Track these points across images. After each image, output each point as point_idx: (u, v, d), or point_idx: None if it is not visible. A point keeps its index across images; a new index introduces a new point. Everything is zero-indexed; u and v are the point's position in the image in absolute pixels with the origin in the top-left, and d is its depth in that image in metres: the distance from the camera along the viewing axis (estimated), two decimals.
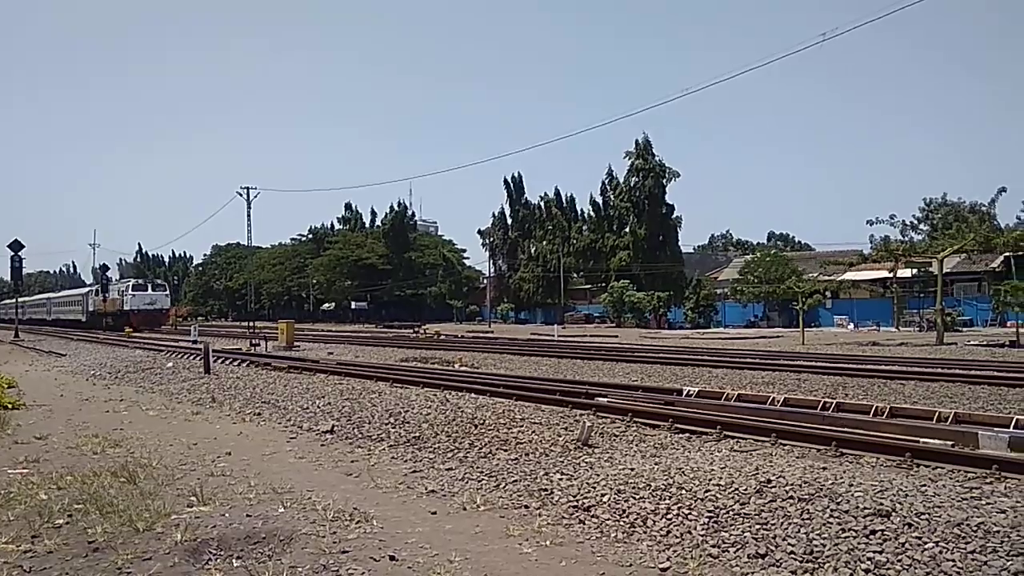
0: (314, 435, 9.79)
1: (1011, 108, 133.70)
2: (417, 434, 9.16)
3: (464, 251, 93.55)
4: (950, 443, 7.77)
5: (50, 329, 62.14)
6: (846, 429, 8.72)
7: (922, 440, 7.84)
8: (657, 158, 67.51)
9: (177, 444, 9.12)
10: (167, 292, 62.90)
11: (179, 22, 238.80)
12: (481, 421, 9.37)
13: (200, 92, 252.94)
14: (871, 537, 4.65)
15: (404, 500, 6.35)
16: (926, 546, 4.47)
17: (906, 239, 52.08)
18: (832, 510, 5.06)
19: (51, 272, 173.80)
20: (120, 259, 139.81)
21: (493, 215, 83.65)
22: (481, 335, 44.81)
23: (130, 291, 56.97)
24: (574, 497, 6.04)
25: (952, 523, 4.71)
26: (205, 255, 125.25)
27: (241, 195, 62.91)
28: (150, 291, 58.82)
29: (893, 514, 4.89)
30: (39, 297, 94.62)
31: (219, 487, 6.63)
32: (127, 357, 24.38)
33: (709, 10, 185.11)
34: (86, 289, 71.51)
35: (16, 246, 45.87)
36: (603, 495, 5.96)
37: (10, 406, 12.61)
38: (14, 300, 65.10)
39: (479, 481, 6.91)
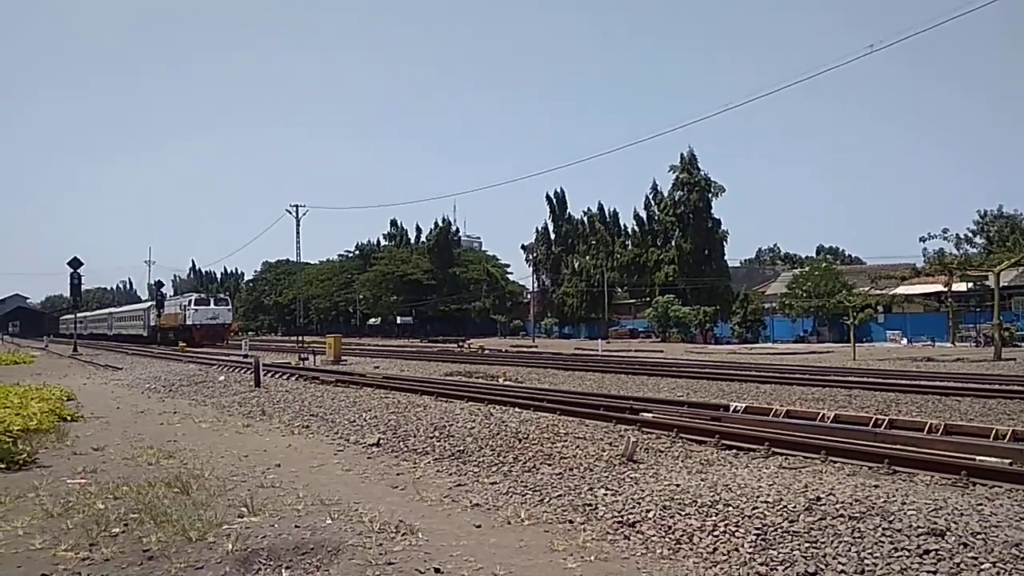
0: (361, 448, 9.90)
1: None
2: (461, 448, 9.21)
3: (508, 266, 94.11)
4: (1008, 461, 7.53)
5: (111, 344, 63.09)
6: (899, 446, 8.53)
7: (978, 458, 7.63)
8: (702, 172, 67.03)
9: (228, 456, 9.31)
10: (229, 306, 61.23)
11: (229, 42, 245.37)
12: (525, 435, 9.38)
13: (251, 109, 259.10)
14: (925, 557, 4.53)
15: (449, 513, 6.39)
16: (982, 567, 4.35)
17: (961, 252, 50.72)
18: (884, 529, 4.95)
19: (108, 288, 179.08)
20: (175, 275, 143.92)
21: (536, 230, 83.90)
22: (525, 350, 44.81)
23: (192, 305, 55.79)
24: (619, 513, 6.01)
25: (1010, 543, 4.57)
26: (256, 271, 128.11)
27: (290, 213, 64.30)
28: (212, 305, 57.36)
29: (948, 533, 4.77)
30: (101, 312, 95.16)
31: (269, 498, 6.75)
32: (181, 371, 24.97)
33: (753, 24, 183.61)
34: (148, 304, 70.83)
35: (75, 263, 47.51)
36: (648, 511, 5.91)
37: (69, 418, 13.02)
38: (73, 315, 66.44)
39: (523, 495, 6.91)
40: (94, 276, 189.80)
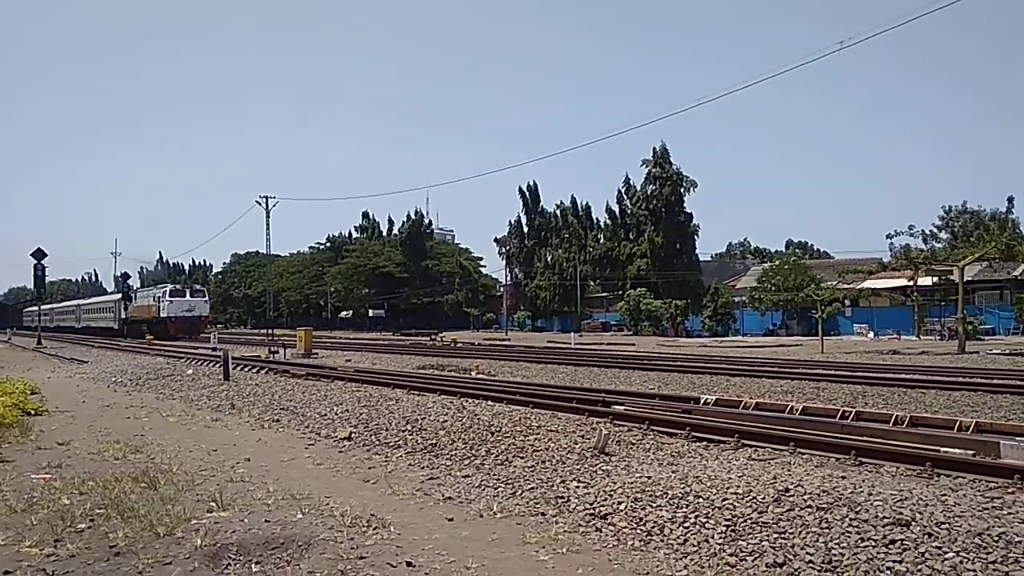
0: (332, 442, 9.84)
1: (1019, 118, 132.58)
2: (434, 441, 9.19)
3: (481, 259, 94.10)
4: (971, 452, 7.68)
5: (78, 337, 61.32)
6: (865, 438, 8.65)
7: (943, 449, 7.77)
8: (674, 166, 67.43)
9: (197, 450, 9.20)
10: (206, 298, 58.09)
11: (195, 33, 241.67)
12: (498, 428, 9.38)
13: (218, 100, 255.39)
14: (891, 547, 4.61)
15: (421, 507, 6.38)
16: (946, 556, 4.43)
17: (927, 247, 51.60)
18: (851, 519, 5.03)
19: (73, 280, 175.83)
20: (141, 267, 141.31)
21: (509, 223, 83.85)
22: (498, 343, 44.82)
23: (167, 297, 52.89)
24: (591, 505, 6.04)
25: (973, 533, 4.67)
26: (225, 264, 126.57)
27: (260, 204, 63.31)
28: (188, 297, 54.61)
29: (913, 523, 4.85)
30: (68, 304, 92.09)
31: (238, 493, 6.69)
32: (148, 364, 24.62)
33: (727, 19, 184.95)
34: (118, 295, 67.22)
35: (39, 254, 46.49)
36: (620, 503, 5.95)
37: (33, 412, 12.78)
38: (38, 307, 64.76)
39: (496, 488, 6.92)
40: (58, 268, 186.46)
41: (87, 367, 26.95)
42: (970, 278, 40.09)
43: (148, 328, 51.80)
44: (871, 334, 45.79)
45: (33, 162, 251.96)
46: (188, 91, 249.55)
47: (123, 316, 60.38)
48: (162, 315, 52.07)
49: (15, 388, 15.07)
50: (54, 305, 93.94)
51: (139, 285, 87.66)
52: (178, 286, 59.99)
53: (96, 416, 12.82)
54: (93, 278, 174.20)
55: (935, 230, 59.24)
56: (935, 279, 44.25)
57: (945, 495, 5.58)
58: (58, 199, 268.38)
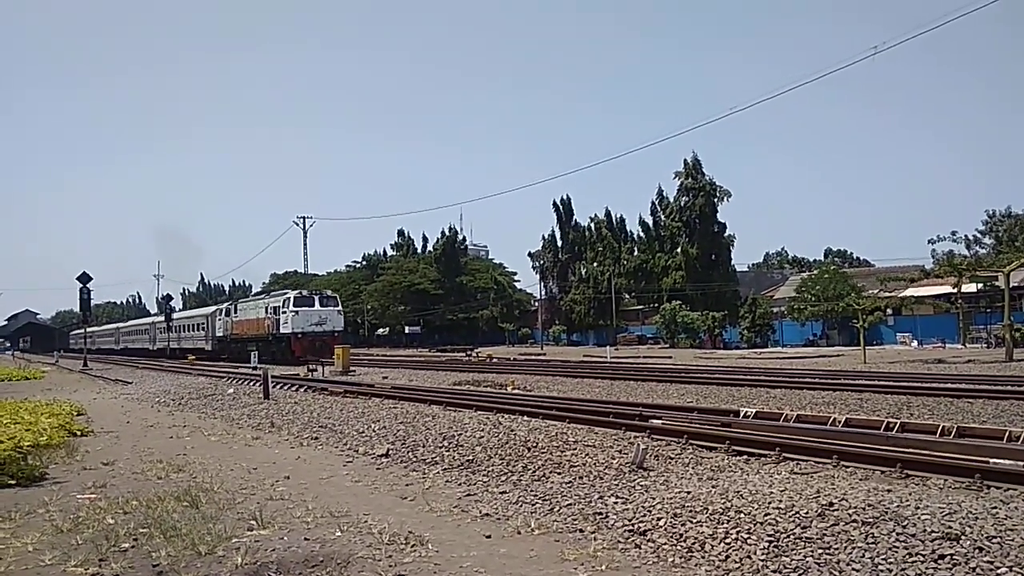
0: (370, 459, 9.88)
1: None
2: (471, 457, 9.18)
3: (515, 274, 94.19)
4: (1022, 464, 7.46)
5: (121, 358, 61.06)
6: (911, 450, 8.45)
7: (992, 460, 7.56)
8: (707, 177, 66.99)
9: (238, 469, 9.30)
10: (339, 307, 43.56)
11: (230, 54, 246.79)
12: (534, 444, 9.34)
13: (258, 123, 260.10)
14: (940, 562, 4.49)
15: (458, 523, 6.36)
16: (998, 571, 4.30)
17: (971, 253, 50.47)
18: (898, 534, 4.90)
19: (118, 303, 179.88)
20: (183, 288, 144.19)
21: (543, 238, 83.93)
22: (533, 358, 44.75)
23: (291, 307, 40.25)
24: (629, 521, 5.97)
25: None
26: (264, 283, 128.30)
27: (297, 224, 64.19)
28: (317, 306, 41.21)
29: (963, 538, 4.72)
30: (140, 322, 79.98)
31: (278, 511, 6.74)
32: (190, 384, 25.03)
33: (759, 24, 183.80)
34: (212, 308, 56.28)
35: (84, 278, 47.63)
36: (659, 519, 5.87)
37: (79, 433, 13.06)
38: (83, 329, 65.76)
39: (533, 504, 6.88)
40: (102, 291, 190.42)
41: (131, 388, 27.49)
42: (1016, 284, 39.10)
43: (260, 348, 39.64)
44: (915, 343, 44.83)
45: (80, 186, 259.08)
46: (230, 113, 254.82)
47: (221, 334, 48.88)
48: (283, 331, 40.50)
49: (62, 410, 15.43)
50: (119, 324, 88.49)
51: (181, 306, 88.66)
52: (303, 292, 45.35)
53: (140, 436, 13.05)
54: (137, 300, 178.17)
55: (979, 235, 58.01)
56: (980, 285, 43.20)
57: (996, 508, 5.42)
58: (104, 224, 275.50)
